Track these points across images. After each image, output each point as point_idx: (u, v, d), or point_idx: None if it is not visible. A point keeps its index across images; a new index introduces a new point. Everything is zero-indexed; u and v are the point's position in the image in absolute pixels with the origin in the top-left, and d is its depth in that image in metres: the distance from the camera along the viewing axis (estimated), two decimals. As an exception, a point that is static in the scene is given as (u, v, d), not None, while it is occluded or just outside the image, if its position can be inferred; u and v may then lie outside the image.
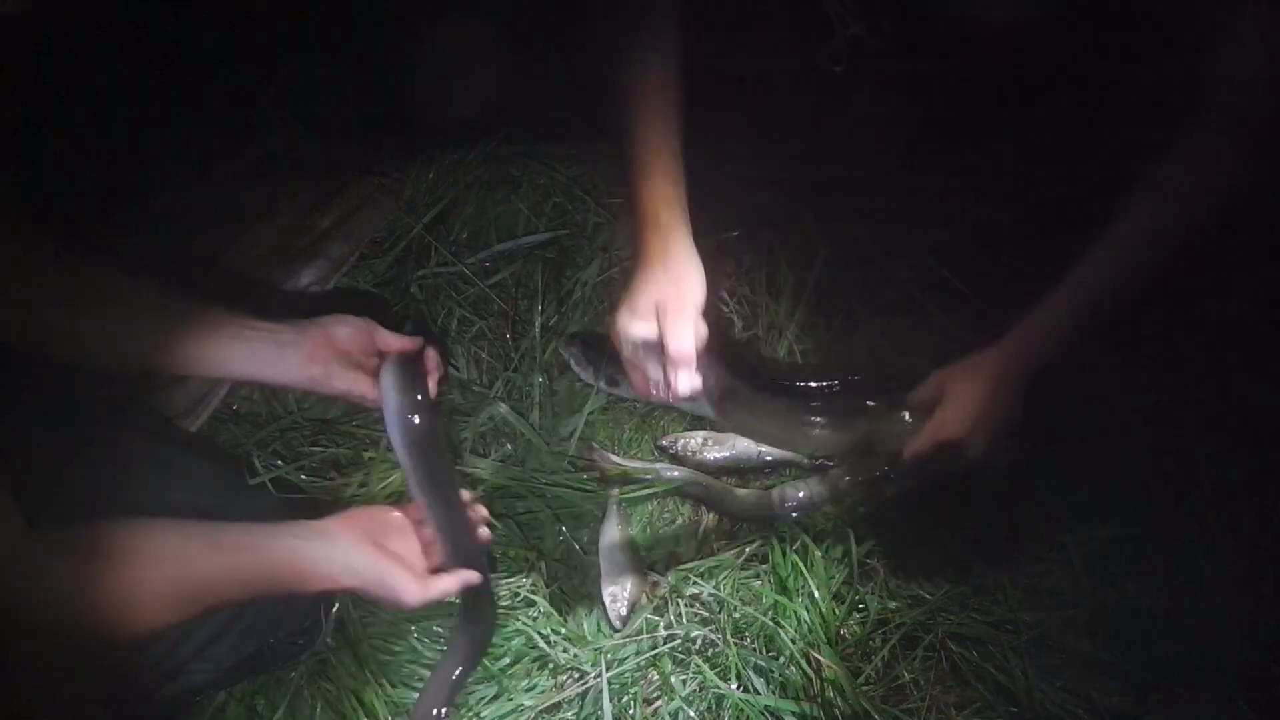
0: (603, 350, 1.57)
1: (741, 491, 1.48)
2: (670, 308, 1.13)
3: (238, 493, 1.35)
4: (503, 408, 1.53)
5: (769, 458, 1.51)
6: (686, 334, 1.12)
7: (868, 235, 1.72)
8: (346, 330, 1.23)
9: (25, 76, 1.46)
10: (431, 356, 1.31)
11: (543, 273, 1.69)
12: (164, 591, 0.95)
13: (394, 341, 1.26)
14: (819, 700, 1.26)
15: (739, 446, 1.51)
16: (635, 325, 1.15)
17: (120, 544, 0.94)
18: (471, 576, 1.20)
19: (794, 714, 1.26)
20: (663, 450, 1.53)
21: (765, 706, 1.26)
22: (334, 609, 1.38)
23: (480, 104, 1.88)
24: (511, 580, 1.42)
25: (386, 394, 1.22)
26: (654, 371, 1.17)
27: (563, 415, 1.58)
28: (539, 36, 1.84)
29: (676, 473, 1.49)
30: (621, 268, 1.68)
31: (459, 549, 1.22)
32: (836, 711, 1.25)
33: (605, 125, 1.26)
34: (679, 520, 1.52)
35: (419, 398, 1.22)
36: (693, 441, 1.52)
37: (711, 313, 1.19)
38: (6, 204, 1.08)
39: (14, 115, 1.42)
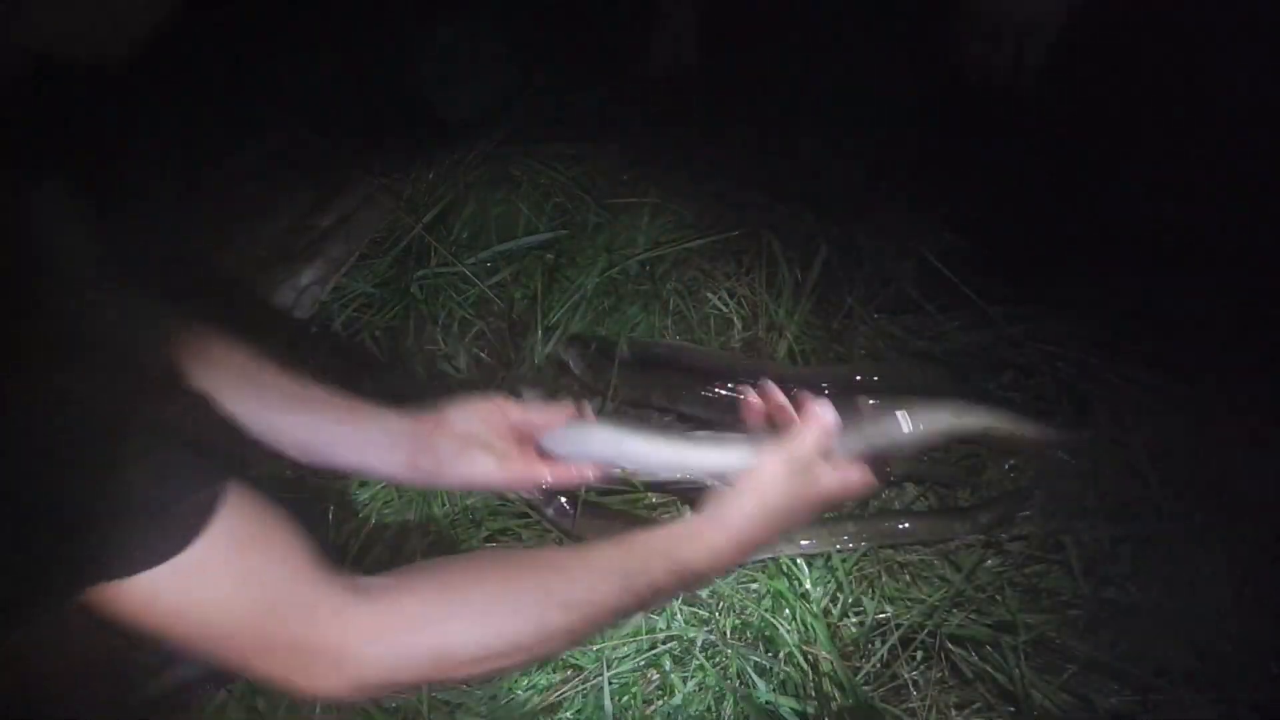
0: (602, 353, 1.57)
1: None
2: None
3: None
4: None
5: (768, 458, 1.51)
6: None
7: (867, 235, 1.72)
8: (467, 415, 1.05)
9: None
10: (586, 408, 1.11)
11: (543, 273, 1.69)
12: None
13: (538, 416, 1.07)
14: (818, 699, 1.26)
15: (738, 447, 1.51)
16: None
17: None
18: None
19: (794, 712, 1.25)
20: (662, 450, 1.53)
21: (765, 703, 1.26)
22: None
23: (480, 103, 1.88)
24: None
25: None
26: None
27: (562, 416, 1.57)
28: (539, 36, 1.85)
29: (676, 475, 1.48)
30: (623, 268, 1.68)
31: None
32: (836, 710, 1.25)
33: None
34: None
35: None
36: (692, 442, 1.51)
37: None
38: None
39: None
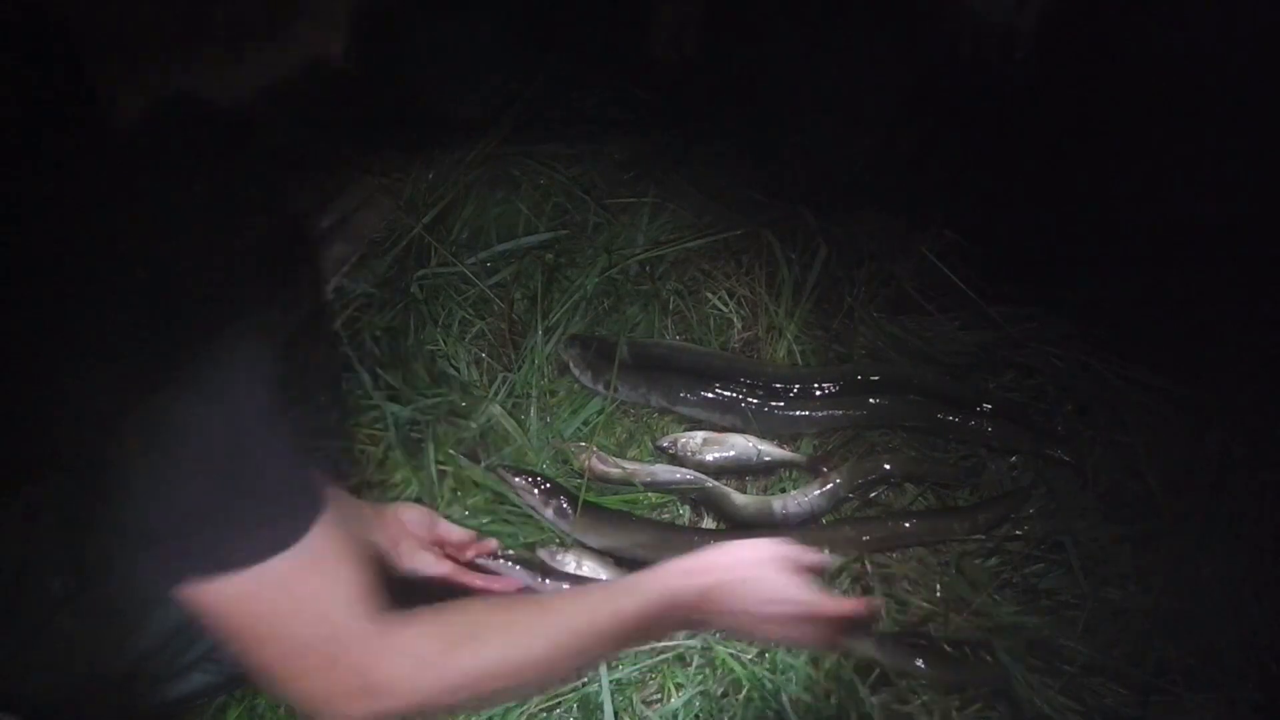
0: (602, 353, 1.57)
1: (740, 499, 1.47)
2: None
3: None
4: (497, 409, 1.53)
5: (768, 458, 1.51)
6: None
7: (868, 235, 1.72)
8: (413, 514, 1.31)
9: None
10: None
11: (543, 273, 1.69)
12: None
13: (454, 534, 1.33)
14: (820, 701, 1.26)
15: (738, 447, 1.51)
16: None
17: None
18: None
19: (794, 714, 1.25)
20: (661, 451, 1.53)
21: (766, 706, 1.26)
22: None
23: (480, 103, 1.88)
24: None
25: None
26: None
27: (562, 417, 1.57)
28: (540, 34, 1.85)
29: (676, 475, 1.49)
30: (623, 268, 1.68)
31: None
32: (837, 711, 1.25)
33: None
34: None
35: None
36: (691, 442, 1.51)
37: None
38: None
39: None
